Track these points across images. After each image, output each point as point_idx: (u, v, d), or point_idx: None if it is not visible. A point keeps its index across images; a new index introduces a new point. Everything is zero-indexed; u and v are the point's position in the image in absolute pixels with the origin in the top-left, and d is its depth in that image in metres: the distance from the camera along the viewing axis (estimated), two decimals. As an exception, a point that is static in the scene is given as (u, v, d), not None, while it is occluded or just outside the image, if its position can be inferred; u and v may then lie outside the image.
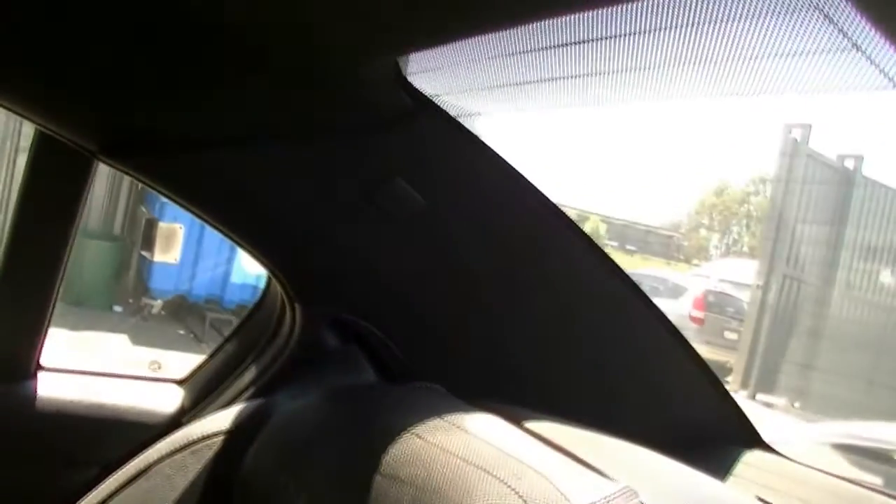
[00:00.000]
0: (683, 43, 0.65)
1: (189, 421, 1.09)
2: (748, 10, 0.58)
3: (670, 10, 0.62)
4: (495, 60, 0.78)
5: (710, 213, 22.67)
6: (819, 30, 0.56)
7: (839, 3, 0.53)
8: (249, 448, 0.89)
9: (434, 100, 0.89)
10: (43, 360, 1.13)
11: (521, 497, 0.62)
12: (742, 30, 0.60)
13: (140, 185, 1.16)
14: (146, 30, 0.73)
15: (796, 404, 7.64)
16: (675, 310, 8.24)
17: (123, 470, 0.95)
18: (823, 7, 0.54)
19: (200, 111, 0.86)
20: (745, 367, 7.87)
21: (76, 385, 1.14)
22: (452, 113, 0.92)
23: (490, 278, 1.06)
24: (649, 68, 0.73)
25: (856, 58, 0.58)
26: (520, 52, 0.75)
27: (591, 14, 0.64)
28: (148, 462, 0.94)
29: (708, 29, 0.62)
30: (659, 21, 0.64)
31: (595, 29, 0.67)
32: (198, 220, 0.98)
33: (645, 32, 0.65)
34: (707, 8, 0.60)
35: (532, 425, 0.80)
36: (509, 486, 0.63)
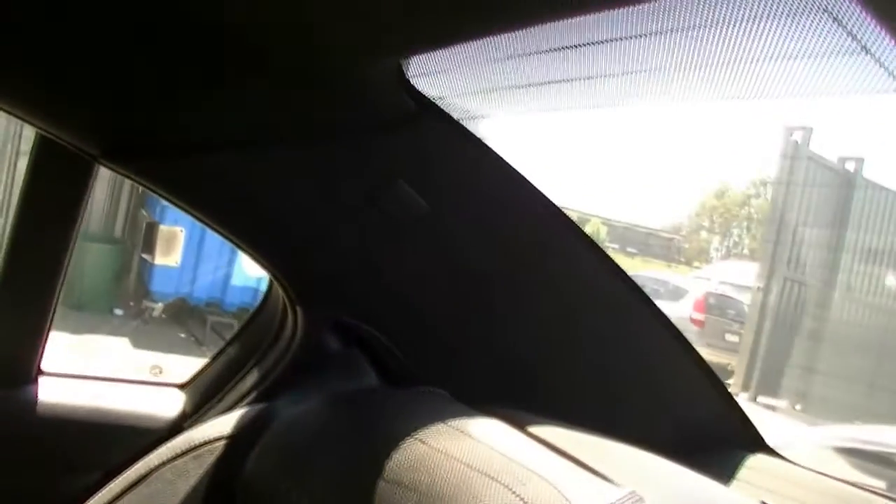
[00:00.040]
0: (688, 46, 0.65)
1: (191, 425, 1.09)
2: (755, 13, 0.57)
3: (676, 14, 0.61)
4: (498, 63, 0.78)
5: (710, 216, 22.66)
6: (828, 32, 0.56)
7: (848, 5, 0.53)
8: (251, 453, 0.89)
9: (437, 102, 0.89)
10: (44, 365, 1.13)
11: (526, 503, 0.61)
12: (749, 33, 0.60)
13: (141, 188, 1.16)
14: (146, 30, 0.73)
15: (797, 407, 7.63)
16: (676, 312, 8.24)
17: (124, 475, 0.95)
18: (832, 9, 0.53)
19: (201, 112, 0.85)
20: (746, 370, 7.87)
21: (77, 390, 1.13)
22: (455, 115, 0.91)
23: (492, 281, 1.05)
24: (652, 71, 0.73)
25: (864, 60, 0.57)
26: (522, 55, 0.75)
27: (595, 16, 0.64)
28: (149, 467, 0.94)
29: (714, 32, 0.62)
30: (662, 24, 0.64)
31: (599, 31, 0.66)
32: (199, 224, 0.98)
33: (649, 35, 0.65)
34: (713, 11, 0.59)
35: (536, 430, 0.80)
36: (514, 492, 0.63)
